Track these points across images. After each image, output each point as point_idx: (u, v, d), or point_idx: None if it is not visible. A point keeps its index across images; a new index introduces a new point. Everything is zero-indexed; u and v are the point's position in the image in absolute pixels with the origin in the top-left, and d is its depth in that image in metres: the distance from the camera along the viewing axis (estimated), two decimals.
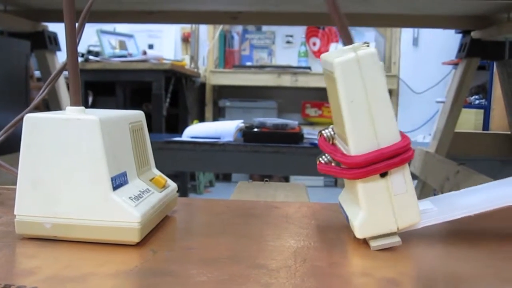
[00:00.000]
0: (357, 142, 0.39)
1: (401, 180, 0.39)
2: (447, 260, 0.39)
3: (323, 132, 0.43)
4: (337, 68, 0.38)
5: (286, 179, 3.33)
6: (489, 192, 0.45)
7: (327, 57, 0.41)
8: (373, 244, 0.40)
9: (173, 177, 0.51)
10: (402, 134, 0.40)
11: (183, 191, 2.79)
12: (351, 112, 0.38)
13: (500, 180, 0.47)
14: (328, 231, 0.45)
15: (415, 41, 3.58)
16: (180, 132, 2.18)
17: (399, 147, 0.38)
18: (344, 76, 0.38)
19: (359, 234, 0.40)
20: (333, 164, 0.42)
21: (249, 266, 0.36)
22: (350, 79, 0.38)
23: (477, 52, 1.61)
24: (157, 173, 0.50)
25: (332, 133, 0.44)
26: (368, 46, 0.39)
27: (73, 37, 0.41)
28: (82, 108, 0.41)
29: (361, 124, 0.38)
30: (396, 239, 0.40)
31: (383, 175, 0.39)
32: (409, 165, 0.40)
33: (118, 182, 0.40)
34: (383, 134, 0.39)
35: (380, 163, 0.38)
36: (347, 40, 0.40)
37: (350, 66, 0.38)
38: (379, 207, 0.39)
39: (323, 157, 0.43)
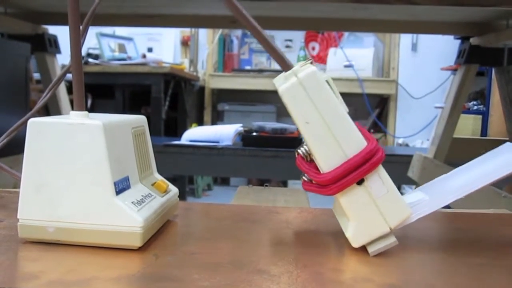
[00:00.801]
0: (324, 159, 0.39)
1: (379, 183, 0.39)
2: (447, 266, 0.39)
3: (299, 150, 0.43)
4: (283, 96, 0.39)
5: (284, 184, 3.33)
6: (478, 168, 0.45)
7: (275, 82, 0.41)
8: (371, 249, 0.40)
9: (171, 180, 0.51)
10: (368, 137, 0.40)
11: (181, 195, 2.78)
12: (309, 133, 0.39)
13: (485, 154, 0.46)
14: (328, 237, 0.45)
15: (414, 47, 3.59)
16: (179, 135, 2.19)
17: (366, 153, 0.39)
18: (292, 102, 0.39)
19: (354, 244, 0.40)
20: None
21: (251, 271, 0.36)
22: (299, 102, 0.39)
23: (476, 58, 1.62)
24: (158, 177, 0.50)
25: (307, 150, 0.43)
26: (311, 62, 0.40)
27: (77, 41, 0.41)
28: (86, 113, 0.41)
29: (323, 142, 0.39)
30: (392, 240, 0.40)
31: (360, 182, 0.39)
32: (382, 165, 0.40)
33: (121, 186, 0.40)
34: (347, 144, 0.39)
35: (351, 174, 0.39)
36: (284, 65, 0.40)
37: (294, 91, 0.39)
38: (365, 214, 0.40)
39: (306, 175, 0.43)
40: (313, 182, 0.41)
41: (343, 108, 0.39)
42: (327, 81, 0.40)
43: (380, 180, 0.39)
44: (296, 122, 0.39)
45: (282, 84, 0.39)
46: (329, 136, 0.39)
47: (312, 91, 0.39)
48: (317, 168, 0.40)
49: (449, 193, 0.42)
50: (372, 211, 0.39)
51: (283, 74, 0.40)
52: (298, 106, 0.39)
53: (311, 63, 0.40)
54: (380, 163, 0.39)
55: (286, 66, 0.40)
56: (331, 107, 0.39)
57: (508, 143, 0.46)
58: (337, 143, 0.39)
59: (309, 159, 0.42)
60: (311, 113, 0.39)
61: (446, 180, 0.46)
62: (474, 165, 0.46)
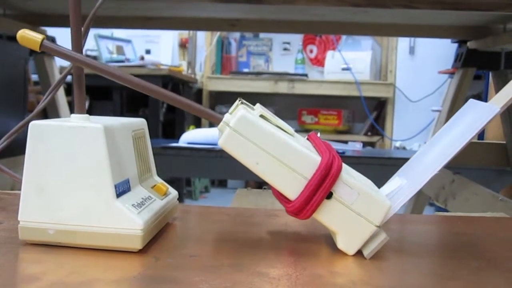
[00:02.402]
0: (287, 189, 0.40)
1: (347, 190, 0.40)
2: (445, 269, 0.40)
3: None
4: (225, 149, 0.40)
5: None
6: (448, 135, 0.45)
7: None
8: (366, 252, 0.41)
9: (168, 182, 0.52)
10: (322, 150, 0.41)
11: (178, 197, 2.79)
12: (263, 172, 0.40)
13: (454, 116, 0.46)
14: (327, 240, 0.46)
15: (412, 50, 3.60)
16: (176, 137, 2.19)
17: (322, 169, 0.39)
18: (235, 151, 0.40)
19: (350, 253, 0.41)
20: None
21: (251, 274, 0.36)
22: (241, 149, 0.39)
23: (473, 62, 1.62)
24: (158, 180, 0.50)
25: None
26: (241, 102, 0.41)
27: (79, 44, 0.41)
28: (87, 115, 0.42)
29: (278, 174, 0.40)
30: (383, 236, 0.40)
31: (329, 197, 0.40)
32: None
33: (121, 189, 0.41)
34: (301, 167, 0.39)
35: (316, 193, 0.39)
36: (214, 119, 0.41)
37: (232, 140, 0.39)
38: (347, 223, 0.40)
39: None
40: None
41: (285, 135, 0.40)
42: (262, 115, 0.40)
43: (347, 186, 0.40)
44: (248, 167, 0.40)
45: (220, 137, 0.40)
46: (282, 167, 0.39)
47: (248, 133, 0.39)
48: (285, 200, 0.41)
49: (424, 171, 0.42)
50: (353, 218, 0.40)
51: (217, 128, 0.41)
52: (242, 152, 0.39)
53: (241, 103, 0.41)
54: (339, 172, 0.39)
55: (216, 119, 0.41)
56: (272, 140, 0.39)
57: (471, 99, 0.46)
58: (292, 170, 0.39)
59: None
60: (256, 154, 0.39)
61: (419, 157, 0.46)
62: (442, 134, 0.46)
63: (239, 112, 0.39)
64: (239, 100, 0.42)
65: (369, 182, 0.44)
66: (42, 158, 0.40)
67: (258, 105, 0.43)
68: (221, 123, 0.40)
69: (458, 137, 0.42)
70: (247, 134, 0.39)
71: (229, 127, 0.39)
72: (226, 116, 0.40)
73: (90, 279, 0.34)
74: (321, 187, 0.39)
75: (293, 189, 0.40)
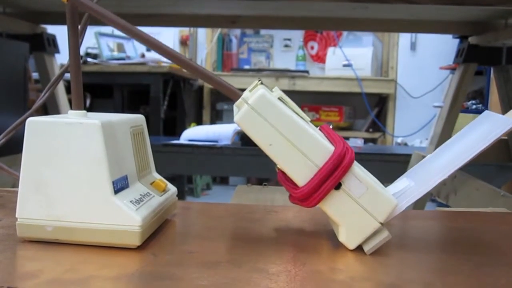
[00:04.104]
0: (297, 174, 0.39)
1: (356, 183, 0.40)
2: (446, 265, 0.39)
3: (278, 166, 0.43)
4: (240, 125, 0.39)
5: None
6: (459, 144, 0.44)
7: (234, 112, 0.41)
8: (366, 248, 0.40)
9: (170, 180, 0.51)
10: (336, 140, 0.40)
11: (180, 194, 2.78)
12: (276, 154, 0.39)
13: (468, 125, 0.46)
14: (327, 236, 0.45)
15: (413, 46, 3.59)
16: (178, 135, 2.19)
17: (335, 158, 0.39)
18: (250, 129, 0.39)
19: (350, 247, 0.41)
20: None
21: (250, 270, 0.36)
22: (256, 127, 0.39)
23: (475, 58, 1.62)
24: (157, 177, 0.50)
25: None
26: (261, 83, 0.40)
27: (76, 41, 0.41)
28: (84, 112, 0.41)
29: (290, 159, 0.39)
30: (385, 234, 0.40)
31: (338, 187, 0.39)
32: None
33: (119, 185, 0.40)
34: (314, 154, 0.39)
35: (326, 181, 0.39)
36: (233, 95, 0.40)
37: (248, 117, 0.39)
38: (352, 216, 0.40)
39: None
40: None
41: (301, 121, 0.39)
42: (280, 98, 0.40)
43: (357, 180, 0.39)
44: (260, 147, 0.39)
45: (236, 113, 0.39)
46: (295, 152, 0.39)
47: (266, 113, 0.39)
48: (292, 186, 0.41)
49: (434, 174, 0.42)
50: (358, 211, 0.40)
51: (235, 104, 0.40)
52: (257, 131, 0.39)
53: (261, 83, 0.40)
54: (351, 164, 0.39)
55: (234, 95, 0.40)
56: (289, 123, 0.39)
57: (486, 111, 0.45)
58: (305, 156, 0.39)
59: None
60: (271, 135, 0.39)
61: (430, 161, 0.46)
62: (455, 141, 0.45)
63: (259, 90, 0.39)
64: (259, 80, 0.41)
65: (375, 179, 0.43)
66: (39, 154, 0.39)
67: (276, 87, 0.42)
68: (240, 100, 0.39)
69: (471, 145, 0.42)
70: (264, 113, 0.39)
71: (247, 104, 0.39)
72: (245, 93, 0.40)
73: (88, 276, 0.34)
74: (332, 176, 0.39)
75: (303, 175, 0.39)
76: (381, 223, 0.40)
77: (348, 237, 0.40)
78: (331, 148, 0.39)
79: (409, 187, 0.43)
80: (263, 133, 0.39)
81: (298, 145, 0.39)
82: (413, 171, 0.47)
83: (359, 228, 0.40)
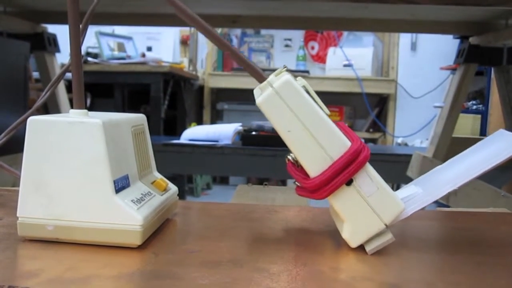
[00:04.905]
0: (311, 164, 0.39)
1: (368, 181, 0.40)
2: (447, 265, 0.39)
3: (289, 157, 0.43)
4: (261, 108, 0.39)
5: (284, 183, 3.33)
6: (471, 158, 0.44)
7: (254, 94, 0.41)
8: (368, 248, 0.40)
9: (170, 179, 0.51)
10: (353, 136, 0.40)
11: (180, 194, 2.78)
12: (292, 141, 0.39)
13: (480, 142, 0.46)
14: (328, 236, 0.45)
15: (413, 46, 3.59)
16: (178, 134, 2.19)
17: (351, 153, 0.39)
18: (271, 112, 0.39)
19: (352, 244, 0.41)
20: None
21: (251, 269, 0.36)
22: (278, 112, 0.39)
23: (475, 58, 1.62)
24: (158, 176, 0.50)
25: None
26: (286, 70, 0.40)
27: (77, 40, 0.41)
28: (86, 111, 0.41)
29: (307, 148, 0.39)
30: (389, 236, 0.40)
31: (349, 183, 0.39)
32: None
33: (120, 185, 0.40)
34: (331, 147, 0.39)
35: (339, 176, 0.39)
36: (258, 76, 0.40)
37: (271, 101, 0.39)
38: (359, 214, 0.40)
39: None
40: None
41: (322, 112, 0.39)
42: (304, 87, 0.40)
43: (368, 178, 0.39)
44: (278, 132, 0.39)
45: (259, 95, 0.39)
46: (312, 142, 0.39)
47: (289, 99, 0.39)
48: (306, 174, 0.40)
49: (443, 185, 0.42)
50: (365, 210, 0.40)
51: (258, 86, 0.40)
52: (278, 116, 0.39)
53: (287, 70, 0.40)
54: (366, 161, 0.39)
55: (260, 77, 0.40)
56: (310, 112, 0.39)
57: (501, 129, 0.45)
58: (321, 147, 0.39)
59: (299, 165, 0.42)
60: (291, 121, 0.39)
61: (439, 172, 0.46)
62: (467, 155, 0.46)
63: (285, 76, 0.39)
64: (284, 67, 0.41)
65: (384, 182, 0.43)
66: (40, 153, 0.39)
67: (300, 77, 0.42)
68: (265, 82, 0.39)
69: (483, 160, 0.42)
70: (287, 99, 0.38)
71: (272, 87, 0.39)
72: (271, 77, 0.39)
73: (89, 275, 0.34)
74: (345, 170, 0.39)
75: (316, 166, 0.39)
76: (386, 225, 0.40)
77: (352, 234, 0.40)
78: (348, 143, 0.39)
79: (417, 194, 0.43)
80: (283, 118, 0.39)
81: (316, 135, 0.39)
82: (421, 179, 0.47)
83: (364, 227, 0.40)
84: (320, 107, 0.40)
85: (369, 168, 0.40)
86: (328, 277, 0.35)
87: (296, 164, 0.42)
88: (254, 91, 0.41)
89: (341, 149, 0.39)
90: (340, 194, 0.40)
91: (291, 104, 0.39)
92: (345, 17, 1.61)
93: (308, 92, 0.40)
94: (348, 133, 0.41)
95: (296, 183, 0.42)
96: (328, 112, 0.40)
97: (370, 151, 0.39)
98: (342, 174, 0.39)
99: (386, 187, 0.40)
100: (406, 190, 0.44)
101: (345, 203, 0.40)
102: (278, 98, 0.39)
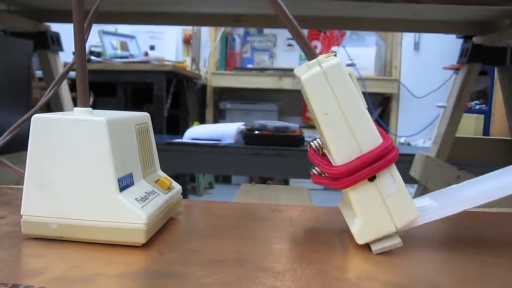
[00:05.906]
0: (339, 151, 0.39)
1: (390, 181, 0.39)
2: (451, 264, 0.39)
3: (311, 143, 0.43)
4: (305, 85, 0.38)
5: (286, 182, 3.33)
6: (489, 182, 0.44)
7: (297, 72, 0.41)
8: (375, 248, 0.40)
9: (172, 178, 0.51)
10: (384, 135, 0.40)
11: (182, 193, 2.78)
12: (327, 124, 0.39)
13: (501, 169, 0.46)
14: (332, 235, 0.45)
15: (416, 46, 3.59)
16: (180, 133, 2.19)
17: (381, 150, 0.39)
18: (313, 91, 0.38)
19: (359, 241, 0.40)
20: (324, 175, 0.42)
21: (255, 268, 0.36)
22: (320, 93, 0.38)
23: (479, 58, 1.61)
24: (162, 174, 0.50)
25: (320, 143, 0.43)
26: (335, 55, 0.40)
27: (82, 39, 0.41)
28: (90, 109, 0.41)
29: (339, 134, 0.39)
30: (397, 240, 0.40)
31: (372, 179, 0.39)
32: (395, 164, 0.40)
33: (125, 183, 0.40)
34: (363, 139, 0.39)
35: (364, 169, 0.39)
36: (310, 54, 0.40)
37: (317, 80, 0.38)
38: (373, 211, 0.39)
39: (316, 168, 0.43)
40: (324, 175, 0.41)
41: (362, 103, 0.39)
42: (349, 74, 0.39)
43: (391, 178, 0.39)
44: (315, 112, 0.39)
45: (305, 72, 0.39)
46: (346, 129, 0.39)
47: (335, 82, 0.38)
48: (329, 162, 0.40)
49: (460, 201, 0.42)
50: (380, 209, 0.39)
51: (306, 63, 0.40)
52: (319, 96, 0.38)
53: (335, 55, 0.40)
54: (394, 161, 0.39)
55: (311, 54, 0.39)
56: (352, 100, 0.38)
57: None
58: (354, 137, 0.39)
59: (321, 153, 0.42)
60: (331, 104, 0.38)
61: (454, 190, 0.46)
62: (485, 179, 0.45)
63: (335, 59, 0.38)
64: (334, 52, 0.41)
65: None
66: (44, 151, 0.39)
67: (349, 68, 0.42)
68: (314, 60, 0.39)
69: (504, 185, 0.41)
70: (333, 82, 0.38)
71: (320, 67, 0.38)
72: (321, 56, 0.39)
73: (93, 274, 0.34)
74: (372, 165, 0.38)
75: (344, 154, 0.39)
76: (396, 229, 0.40)
77: (361, 230, 0.40)
78: (380, 139, 0.39)
79: (431, 206, 0.43)
80: (324, 99, 0.38)
81: (352, 124, 0.38)
82: (437, 194, 0.47)
83: (375, 226, 0.40)
84: (362, 98, 0.40)
85: (394, 169, 0.39)
86: (333, 276, 0.35)
87: (319, 151, 0.42)
88: (299, 68, 0.40)
89: (372, 143, 0.39)
90: (361, 187, 0.39)
91: (335, 87, 0.38)
92: (348, 17, 1.61)
93: (353, 80, 0.39)
94: (381, 132, 0.41)
95: (313, 170, 0.42)
96: (367, 106, 0.40)
97: (398, 152, 0.39)
98: (368, 168, 0.38)
99: (406, 192, 0.40)
100: (421, 201, 0.44)
101: (362, 198, 0.39)
102: (324, 79, 0.38)
